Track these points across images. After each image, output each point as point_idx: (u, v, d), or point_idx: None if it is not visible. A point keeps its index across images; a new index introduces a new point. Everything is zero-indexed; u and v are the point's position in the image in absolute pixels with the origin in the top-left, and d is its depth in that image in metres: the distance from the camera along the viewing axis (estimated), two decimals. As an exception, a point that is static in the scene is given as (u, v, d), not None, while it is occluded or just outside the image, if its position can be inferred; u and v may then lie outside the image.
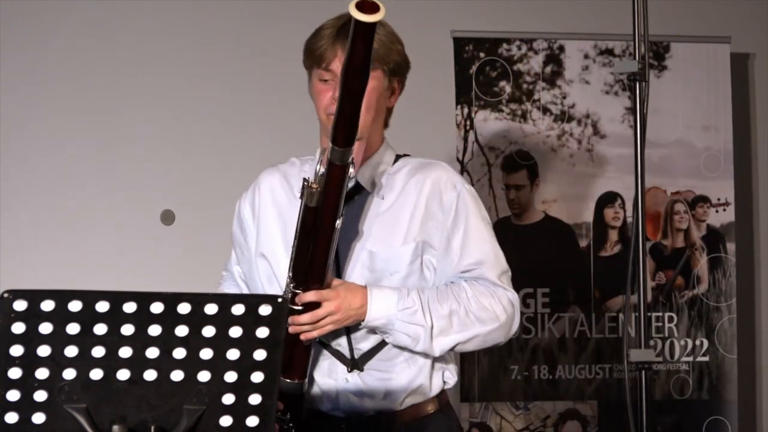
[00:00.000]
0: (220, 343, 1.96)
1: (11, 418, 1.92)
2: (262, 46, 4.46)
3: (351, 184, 2.61)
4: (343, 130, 2.40)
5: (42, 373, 1.94)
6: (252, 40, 4.45)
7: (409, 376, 2.62)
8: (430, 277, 2.63)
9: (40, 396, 1.93)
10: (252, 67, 4.42)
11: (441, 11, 4.52)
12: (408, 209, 2.63)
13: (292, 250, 2.52)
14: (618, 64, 4.26)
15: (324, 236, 2.49)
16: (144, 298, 1.96)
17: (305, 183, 2.47)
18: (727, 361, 4.36)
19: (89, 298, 1.96)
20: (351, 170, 2.47)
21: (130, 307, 1.96)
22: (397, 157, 2.73)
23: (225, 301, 1.99)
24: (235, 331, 1.97)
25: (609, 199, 4.37)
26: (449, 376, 2.69)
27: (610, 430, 4.26)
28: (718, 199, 4.41)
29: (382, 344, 2.61)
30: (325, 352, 2.61)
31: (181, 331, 1.96)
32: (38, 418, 1.93)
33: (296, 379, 2.56)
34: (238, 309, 1.98)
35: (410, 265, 2.61)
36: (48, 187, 4.36)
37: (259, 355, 1.96)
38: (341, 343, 2.61)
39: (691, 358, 4.35)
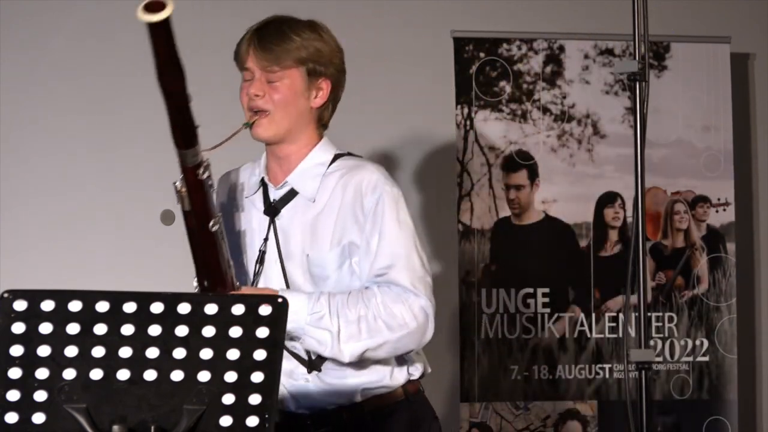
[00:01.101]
0: (220, 343, 1.96)
1: (11, 418, 1.92)
2: (262, 46, 4.46)
3: (285, 189, 2.69)
4: (178, 131, 2.43)
5: (42, 373, 1.94)
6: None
7: (367, 373, 2.66)
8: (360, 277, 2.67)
9: (40, 396, 1.93)
10: (252, 67, 4.42)
11: (441, 11, 4.52)
12: (334, 213, 2.66)
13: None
14: (618, 64, 4.26)
15: (205, 239, 2.52)
16: (144, 298, 1.97)
17: (175, 188, 2.53)
18: (727, 361, 4.36)
19: (89, 298, 1.96)
20: (204, 173, 2.50)
21: (130, 307, 1.97)
22: (336, 157, 2.73)
23: (225, 301, 2.00)
24: (235, 331, 1.97)
25: (609, 199, 4.37)
26: (414, 369, 2.72)
27: (610, 430, 4.26)
28: (718, 199, 4.41)
29: None
30: (286, 354, 2.63)
31: (181, 331, 1.96)
32: (38, 418, 1.93)
33: None
34: (238, 309, 1.98)
35: (339, 270, 2.65)
36: (48, 187, 4.36)
37: (259, 355, 1.96)
38: (297, 345, 2.65)
39: (691, 358, 4.34)
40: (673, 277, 4.36)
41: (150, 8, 2.28)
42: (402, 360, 2.70)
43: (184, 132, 2.42)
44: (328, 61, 2.70)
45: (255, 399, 1.94)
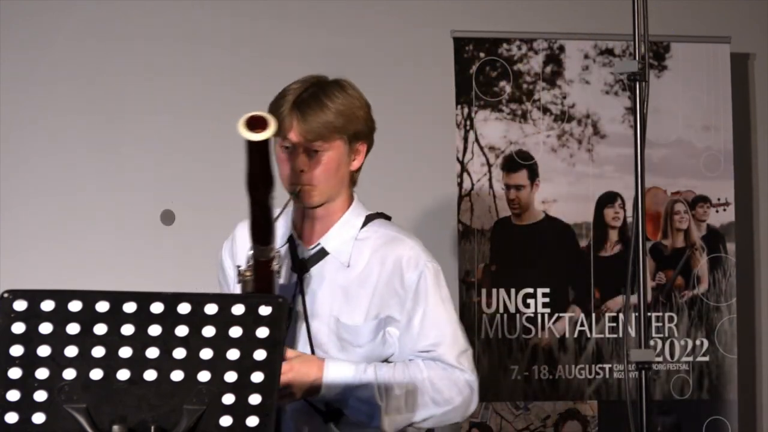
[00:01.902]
0: (220, 343, 1.96)
1: (11, 418, 1.92)
2: (262, 45, 4.46)
3: (316, 249, 2.70)
4: (259, 232, 2.48)
5: (42, 373, 1.94)
6: (253, 39, 4.45)
7: (384, 424, 2.66)
8: (393, 345, 2.68)
9: (40, 396, 1.93)
10: (253, 67, 4.42)
11: (441, 11, 4.52)
12: (370, 285, 2.68)
13: None
14: (618, 64, 4.26)
15: None
16: (144, 298, 1.97)
17: (238, 270, 2.55)
18: (727, 361, 4.36)
19: (89, 298, 1.96)
20: (277, 265, 2.53)
21: (130, 307, 1.97)
22: (368, 219, 2.75)
23: (225, 301, 1.99)
24: (235, 331, 1.97)
25: (609, 199, 4.37)
26: None
27: (610, 430, 4.26)
28: (718, 199, 4.41)
29: None
30: (304, 403, 2.65)
31: (181, 331, 1.96)
32: (38, 418, 1.93)
33: None
34: (238, 309, 1.98)
35: (372, 341, 2.67)
36: (48, 187, 4.36)
37: (259, 355, 1.96)
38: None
39: (691, 358, 4.34)
40: (673, 277, 4.36)
41: (253, 123, 2.33)
42: None
43: (264, 232, 2.48)
44: (364, 124, 2.72)
45: (255, 399, 1.94)
